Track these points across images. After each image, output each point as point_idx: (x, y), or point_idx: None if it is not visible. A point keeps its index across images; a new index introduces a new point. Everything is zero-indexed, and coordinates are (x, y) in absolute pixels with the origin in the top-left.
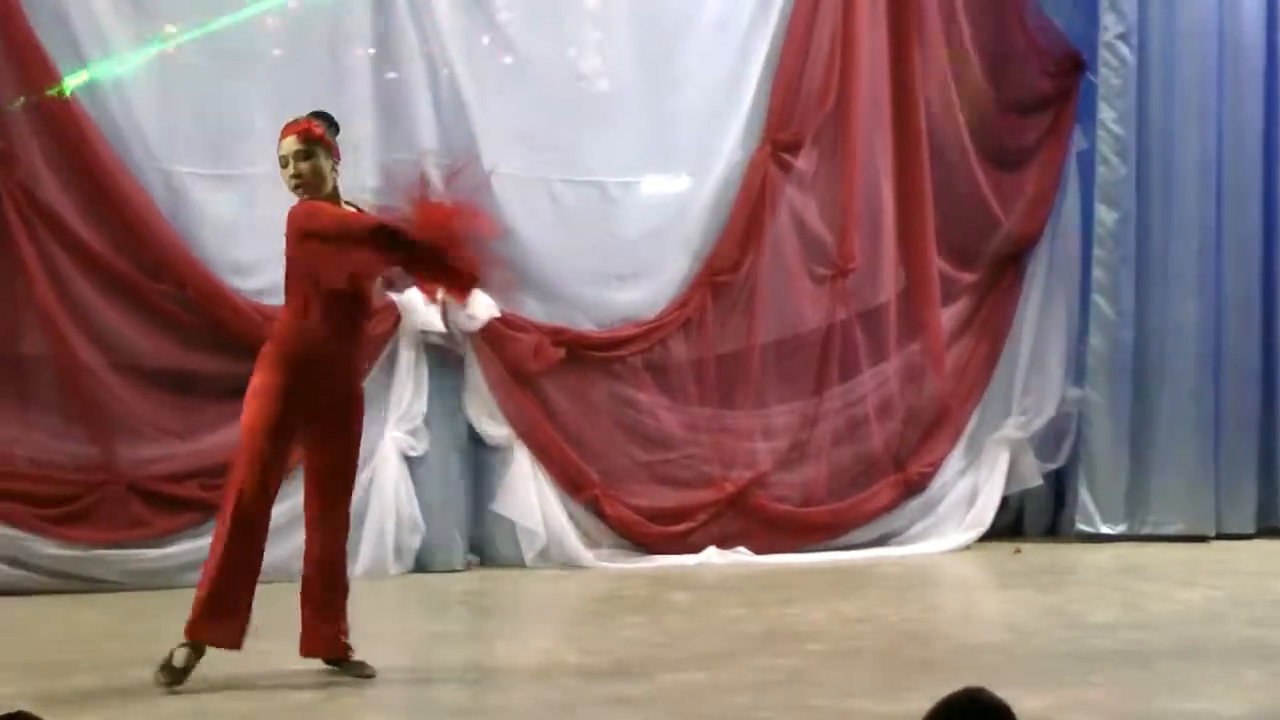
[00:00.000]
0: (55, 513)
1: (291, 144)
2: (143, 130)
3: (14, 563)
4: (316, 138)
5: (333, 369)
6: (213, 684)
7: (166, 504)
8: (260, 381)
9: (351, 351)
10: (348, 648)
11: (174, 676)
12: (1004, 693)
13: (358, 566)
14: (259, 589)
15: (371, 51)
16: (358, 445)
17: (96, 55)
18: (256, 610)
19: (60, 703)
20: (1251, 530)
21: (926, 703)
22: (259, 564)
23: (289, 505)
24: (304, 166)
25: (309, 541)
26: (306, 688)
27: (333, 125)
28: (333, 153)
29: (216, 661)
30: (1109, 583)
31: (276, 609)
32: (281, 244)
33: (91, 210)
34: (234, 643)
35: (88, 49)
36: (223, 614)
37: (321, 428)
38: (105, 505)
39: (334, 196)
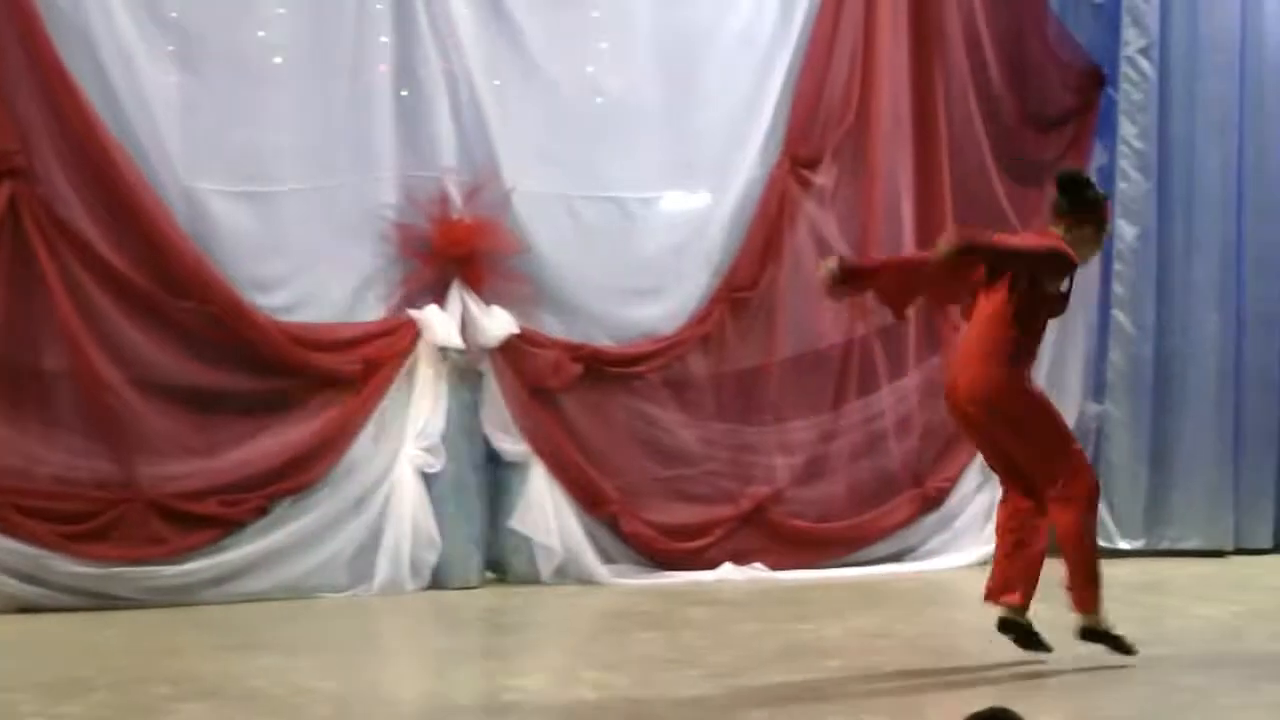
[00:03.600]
0: (75, 530)
1: None
2: (164, 147)
3: (32, 580)
4: None
5: None
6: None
7: (186, 521)
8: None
9: None
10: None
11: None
12: (1022, 710)
13: (374, 583)
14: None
15: (392, 69)
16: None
17: (118, 71)
18: None
19: None
20: (1269, 545)
21: None
22: None
23: None
24: None
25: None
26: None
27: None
28: None
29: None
30: (1127, 599)
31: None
32: (302, 260)
33: (113, 226)
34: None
35: (109, 64)
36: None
37: None
38: (125, 522)
39: None
